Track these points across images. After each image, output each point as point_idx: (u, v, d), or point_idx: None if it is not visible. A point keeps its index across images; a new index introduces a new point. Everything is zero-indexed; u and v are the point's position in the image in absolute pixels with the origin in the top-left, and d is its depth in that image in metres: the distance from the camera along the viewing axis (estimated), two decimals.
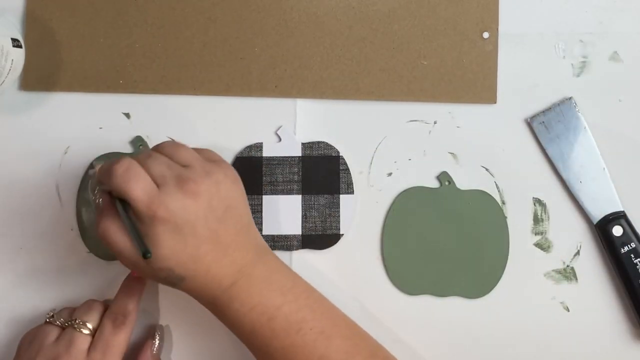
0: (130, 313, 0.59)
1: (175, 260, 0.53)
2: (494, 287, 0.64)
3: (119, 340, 0.58)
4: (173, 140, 0.56)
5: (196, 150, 0.57)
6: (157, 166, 0.53)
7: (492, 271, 0.64)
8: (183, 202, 0.52)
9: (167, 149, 0.56)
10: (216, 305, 0.56)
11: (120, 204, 0.53)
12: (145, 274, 0.55)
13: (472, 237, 0.64)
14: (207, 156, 0.57)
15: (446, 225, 0.64)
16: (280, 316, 0.54)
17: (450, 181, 0.65)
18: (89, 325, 0.58)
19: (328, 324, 0.56)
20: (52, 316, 0.60)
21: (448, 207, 0.64)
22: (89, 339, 0.58)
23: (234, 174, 0.56)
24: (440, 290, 0.64)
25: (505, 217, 0.64)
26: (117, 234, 0.53)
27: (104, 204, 0.54)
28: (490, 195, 0.65)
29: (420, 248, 0.64)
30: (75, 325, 0.58)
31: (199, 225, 0.53)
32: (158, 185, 0.53)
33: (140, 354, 0.61)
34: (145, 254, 0.51)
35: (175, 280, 0.54)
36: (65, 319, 0.60)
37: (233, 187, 0.56)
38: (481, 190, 0.65)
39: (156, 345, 0.62)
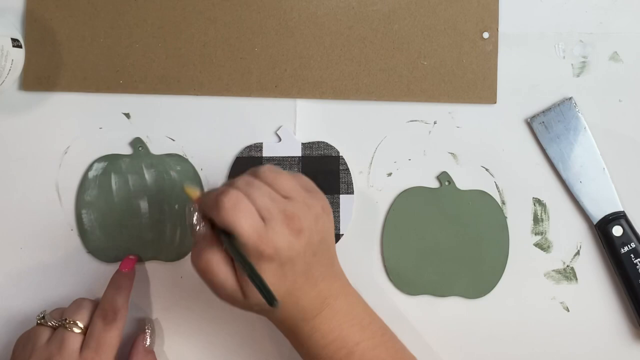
0: (121, 309, 0.59)
1: None
2: (494, 287, 0.64)
3: (111, 336, 0.58)
4: (270, 165, 0.55)
5: (293, 177, 0.55)
6: (261, 198, 0.52)
7: (492, 271, 0.64)
8: (289, 240, 0.52)
9: (267, 177, 0.54)
10: (297, 335, 0.55)
11: (225, 236, 0.52)
12: (239, 305, 0.54)
13: (472, 237, 0.64)
14: (304, 184, 0.56)
15: (446, 226, 0.64)
16: (358, 352, 0.54)
17: (450, 181, 0.65)
18: (80, 324, 0.58)
19: None
20: (43, 317, 0.60)
21: (448, 207, 0.64)
22: (80, 337, 0.58)
23: (329, 207, 0.56)
24: (440, 290, 0.64)
25: (505, 217, 0.64)
26: (220, 266, 0.52)
27: (207, 234, 0.53)
28: (490, 196, 0.65)
29: (420, 248, 0.64)
30: (66, 325, 0.58)
31: (298, 261, 0.52)
32: (264, 219, 0.51)
33: (133, 348, 0.62)
34: (274, 302, 0.50)
35: (267, 312, 0.54)
36: (56, 320, 0.59)
37: (327, 220, 0.55)
38: (481, 191, 0.65)
39: (148, 339, 0.62)
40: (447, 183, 0.65)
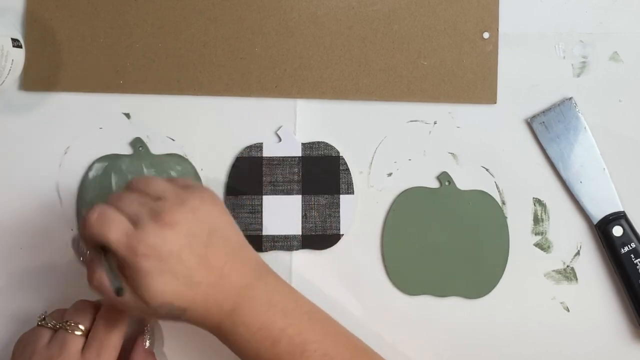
0: (123, 312, 0.58)
1: (171, 293, 0.52)
2: (494, 287, 0.64)
3: (113, 339, 0.57)
4: (143, 175, 0.55)
5: (168, 180, 0.56)
6: (129, 205, 0.52)
7: (492, 271, 0.64)
8: (162, 234, 0.51)
9: (138, 185, 0.55)
10: (221, 331, 0.54)
11: (102, 252, 0.52)
12: (149, 315, 0.54)
13: (472, 237, 0.64)
14: (180, 184, 0.55)
15: (446, 226, 0.64)
16: (284, 339, 0.54)
17: (450, 181, 0.65)
18: (81, 327, 0.58)
19: (332, 345, 0.55)
20: (44, 319, 0.60)
21: (448, 207, 0.64)
22: (82, 340, 0.57)
23: (213, 197, 0.55)
24: (440, 290, 0.64)
25: (506, 217, 0.64)
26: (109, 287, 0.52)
27: (90, 256, 0.54)
28: (490, 196, 0.65)
29: (420, 248, 0.64)
30: (67, 327, 0.58)
31: (184, 254, 0.52)
32: (134, 224, 0.52)
33: (133, 350, 0.61)
34: (119, 290, 0.50)
35: (178, 313, 0.53)
36: (56, 321, 0.59)
37: (213, 210, 0.54)
38: (481, 191, 0.65)
39: (147, 340, 0.62)
40: (447, 183, 0.65)
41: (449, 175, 0.65)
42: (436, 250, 0.64)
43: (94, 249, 0.53)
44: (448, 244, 0.64)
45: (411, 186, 0.65)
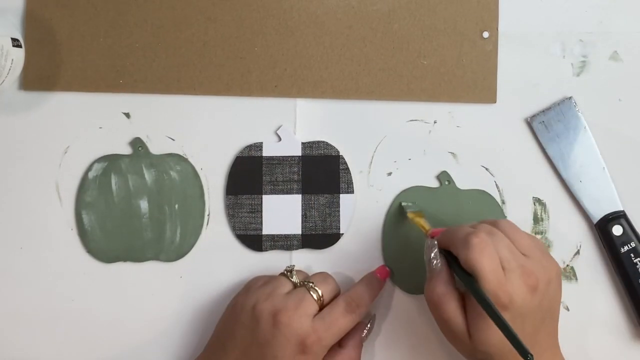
0: (365, 305, 0.60)
1: (499, 349, 0.53)
2: None
3: (345, 323, 0.58)
4: (508, 220, 0.57)
5: (530, 237, 0.57)
6: (502, 249, 0.53)
7: None
8: (524, 294, 0.52)
9: (508, 231, 0.55)
10: None
11: (465, 275, 0.53)
12: (460, 347, 0.55)
13: None
14: (539, 246, 0.56)
15: (446, 225, 0.64)
16: None
17: (450, 181, 0.65)
18: (320, 293, 0.59)
19: None
20: (291, 271, 0.61)
21: (448, 206, 0.64)
22: (316, 306, 0.58)
23: (560, 275, 0.56)
24: None
25: (506, 217, 0.64)
26: (451, 302, 0.54)
27: (443, 269, 0.55)
28: (490, 195, 0.65)
29: (419, 247, 0.64)
30: (309, 288, 0.59)
31: (527, 319, 0.53)
32: (503, 269, 0.52)
33: (351, 335, 0.61)
34: (528, 355, 0.48)
35: None
36: (300, 279, 0.60)
37: (558, 287, 0.56)
38: (481, 190, 0.65)
39: (366, 331, 0.62)
40: (447, 182, 0.65)
41: (449, 175, 0.65)
42: None
43: (447, 263, 0.55)
44: None
45: (411, 186, 0.65)
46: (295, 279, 0.60)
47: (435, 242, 0.56)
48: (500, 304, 0.52)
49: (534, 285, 0.53)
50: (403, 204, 0.64)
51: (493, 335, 0.52)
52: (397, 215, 0.65)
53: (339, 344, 0.60)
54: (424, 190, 0.65)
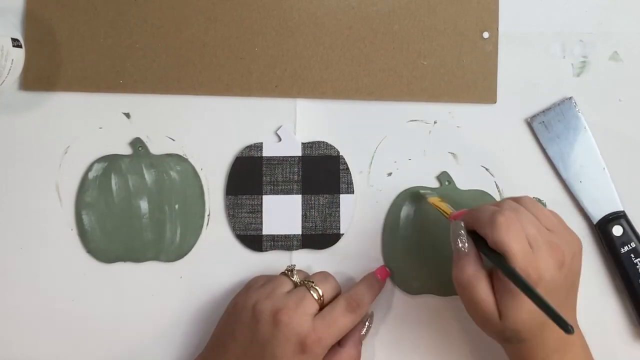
0: (365, 305, 0.60)
1: (529, 325, 0.53)
2: None
3: (345, 323, 0.58)
4: (529, 197, 0.57)
5: (552, 212, 0.57)
6: (528, 225, 0.53)
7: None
8: (552, 271, 0.52)
9: (531, 207, 0.55)
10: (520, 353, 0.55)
11: (494, 254, 0.53)
12: (488, 328, 0.55)
13: None
14: (561, 221, 0.57)
15: (446, 225, 0.64)
16: None
17: (450, 181, 0.65)
18: (320, 292, 0.59)
19: None
20: (291, 271, 0.61)
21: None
22: (317, 305, 0.58)
23: (582, 247, 0.56)
24: (442, 290, 0.64)
25: None
26: (482, 283, 0.53)
27: (471, 250, 0.55)
28: (490, 195, 0.65)
29: (420, 248, 0.64)
30: (310, 287, 0.59)
31: (554, 295, 0.52)
32: (531, 246, 0.53)
33: (350, 334, 0.61)
34: (568, 328, 0.47)
35: (514, 341, 0.54)
36: (300, 278, 0.60)
37: (579, 261, 0.56)
38: (481, 191, 0.65)
39: (365, 329, 0.62)
40: (447, 183, 0.65)
41: (449, 175, 0.65)
42: (437, 249, 0.64)
43: (474, 244, 0.55)
44: (448, 243, 0.64)
45: (411, 186, 0.65)
46: (295, 278, 0.60)
47: (462, 224, 0.56)
48: (531, 281, 0.51)
49: (561, 260, 0.53)
50: (422, 191, 0.64)
51: (524, 313, 0.52)
52: (397, 215, 0.65)
53: (339, 342, 0.60)
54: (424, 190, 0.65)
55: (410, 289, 0.65)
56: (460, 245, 0.55)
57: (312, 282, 0.59)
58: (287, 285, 0.60)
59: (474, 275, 0.54)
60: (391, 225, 0.65)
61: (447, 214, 0.59)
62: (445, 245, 0.64)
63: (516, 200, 0.56)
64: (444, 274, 0.64)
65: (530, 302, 0.50)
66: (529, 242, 0.53)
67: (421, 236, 0.65)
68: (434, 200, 0.62)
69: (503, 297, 0.53)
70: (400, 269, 0.64)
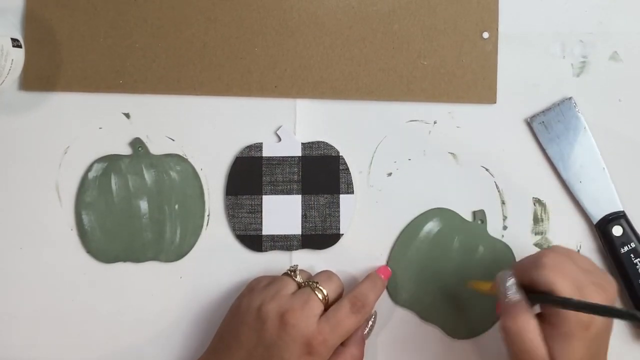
0: (369, 304, 0.59)
1: None
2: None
3: (350, 324, 0.58)
4: (561, 245, 0.58)
5: (587, 257, 0.58)
6: (572, 267, 0.54)
7: (481, 319, 0.64)
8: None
9: (568, 252, 0.56)
10: None
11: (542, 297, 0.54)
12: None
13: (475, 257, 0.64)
14: (596, 265, 0.57)
15: (456, 257, 0.64)
16: None
17: (484, 221, 0.64)
18: (325, 293, 0.59)
19: None
20: (294, 271, 0.60)
21: (466, 243, 0.64)
22: (322, 306, 0.58)
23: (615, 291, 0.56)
24: (423, 314, 0.64)
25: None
26: (534, 332, 0.53)
27: (521, 300, 0.54)
28: (512, 253, 0.64)
29: (426, 267, 0.64)
30: (314, 288, 0.58)
31: (600, 339, 0.53)
32: (576, 287, 0.53)
33: (353, 333, 0.61)
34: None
35: None
36: (304, 279, 0.60)
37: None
38: (507, 246, 0.64)
39: (368, 329, 0.62)
40: (480, 221, 0.64)
41: (485, 215, 0.64)
42: (438, 278, 0.64)
43: (524, 293, 0.54)
44: (452, 275, 0.64)
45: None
46: (299, 278, 0.60)
47: (511, 272, 0.55)
48: (583, 323, 0.52)
49: (611, 300, 0.53)
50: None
51: (576, 355, 0.52)
52: (420, 226, 0.64)
53: (342, 342, 0.60)
54: (456, 218, 0.65)
55: (398, 300, 0.64)
56: (510, 293, 0.55)
57: (317, 283, 0.59)
58: (292, 286, 0.59)
59: (526, 323, 0.53)
60: (410, 232, 0.64)
61: (487, 288, 0.59)
62: (448, 283, 0.64)
63: (551, 249, 0.57)
64: (442, 302, 0.64)
65: (582, 344, 0.51)
66: (574, 282, 0.53)
67: (431, 257, 0.64)
68: (477, 285, 0.61)
69: (555, 343, 0.53)
70: (399, 277, 0.64)
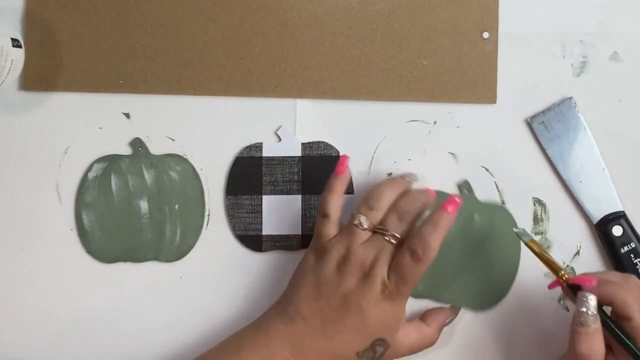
0: (431, 249, 0.57)
1: None
2: (502, 298, 0.64)
3: (414, 273, 0.57)
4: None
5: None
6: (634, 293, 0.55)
7: (499, 283, 0.64)
8: None
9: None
10: None
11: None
12: None
13: (482, 251, 0.64)
14: None
15: (459, 233, 0.64)
16: None
17: (470, 190, 0.64)
18: (398, 236, 0.58)
19: None
20: (360, 222, 0.59)
21: (460, 215, 0.64)
22: (393, 253, 0.58)
23: None
24: (441, 295, 0.64)
25: (518, 230, 0.64)
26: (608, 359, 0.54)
27: (599, 327, 0.54)
28: (507, 210, 0.64)
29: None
30: (386, 236, 0.58)
31: None
32: None
33: (435, 317, 0.62)
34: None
35: None
36: (371, 225, 0.59)
37: None
38: (498, 205, 0.64)
39: (449, 319, 0.63)
40: (466, 192, 0.64)
41: (470, 185, 0.64)
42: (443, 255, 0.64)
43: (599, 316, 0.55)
44: (457, 251, 0.64)
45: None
46: (365, 224, 0.59)
47: (594, 297, 0.55)
48: None
49: None
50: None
51: None
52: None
53: (425, 321, 0.61)
54: (444, 197, 0.64)
55: (414, 294, 0.64)
56: (591, 319, 0.54)
57: (385, 230, 0.58)
58: (362, 236, 0.58)
59: (600, 353, 0.54)
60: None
61: (558, 270, 0.58)
62: (457, 261, 0.64)
63: (620, 275, 0.58)
64: (449, 278, 0.64)
65: None
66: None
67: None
68: (537, 248, 0.59)
69: None
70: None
